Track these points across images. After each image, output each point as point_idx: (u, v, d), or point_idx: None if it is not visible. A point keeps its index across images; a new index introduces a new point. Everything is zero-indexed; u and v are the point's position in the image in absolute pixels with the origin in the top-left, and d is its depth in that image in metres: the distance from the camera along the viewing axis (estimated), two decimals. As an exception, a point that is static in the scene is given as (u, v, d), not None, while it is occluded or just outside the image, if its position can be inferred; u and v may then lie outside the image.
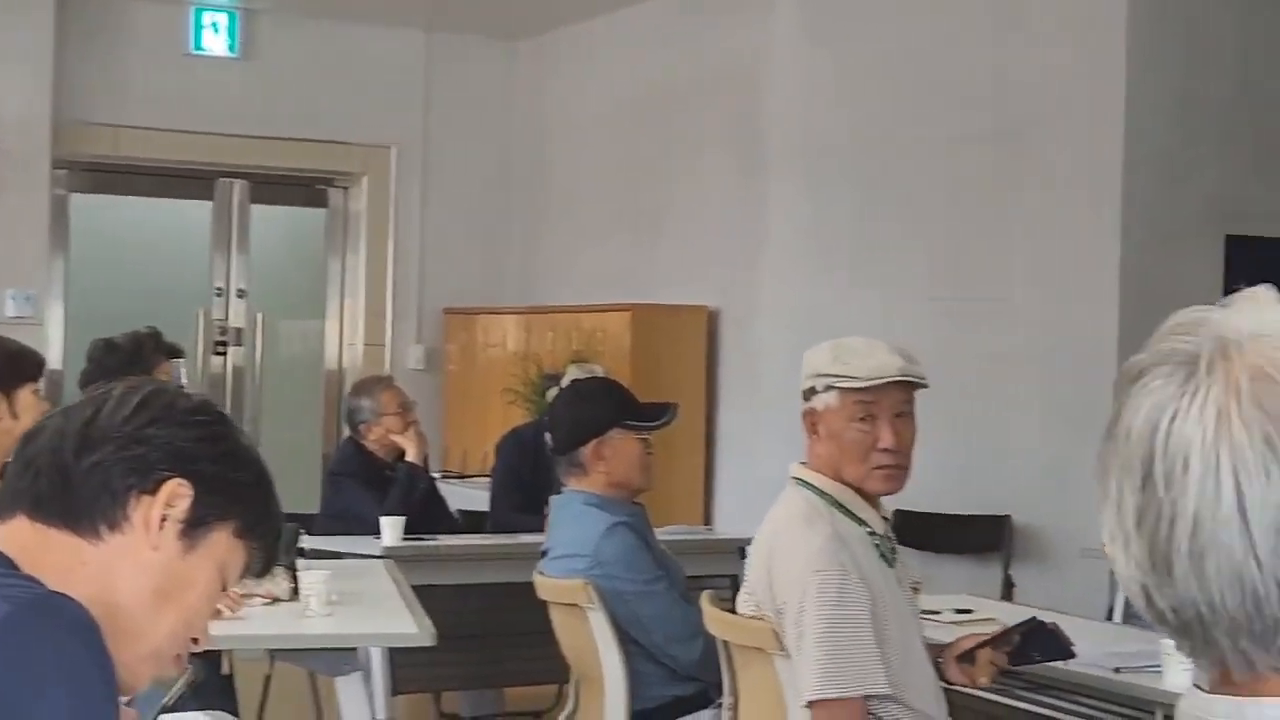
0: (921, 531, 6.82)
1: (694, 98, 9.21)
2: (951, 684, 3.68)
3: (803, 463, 3.67)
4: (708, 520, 8.78)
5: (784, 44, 8.56)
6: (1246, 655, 1.13)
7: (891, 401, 3.53)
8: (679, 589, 4.71)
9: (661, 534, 5.33)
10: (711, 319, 9.02)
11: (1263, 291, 1.18)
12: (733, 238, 8.87)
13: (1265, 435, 1.10)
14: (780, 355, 7.85)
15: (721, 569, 6.39)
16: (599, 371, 6.84)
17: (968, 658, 3.69)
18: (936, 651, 3.70)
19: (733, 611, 3.87)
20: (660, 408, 4.90)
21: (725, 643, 4.01)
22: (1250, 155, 7.44)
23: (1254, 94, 7.45)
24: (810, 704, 3.40)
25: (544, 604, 4.88)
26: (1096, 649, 4.08)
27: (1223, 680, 1.15)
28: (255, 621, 4.60)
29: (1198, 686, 1.17)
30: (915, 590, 3.74)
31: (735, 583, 6.08)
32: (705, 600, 4.16)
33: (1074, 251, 7.05)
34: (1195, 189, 7.21)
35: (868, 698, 3.39)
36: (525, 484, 7.16)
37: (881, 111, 7.96)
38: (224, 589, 1.72)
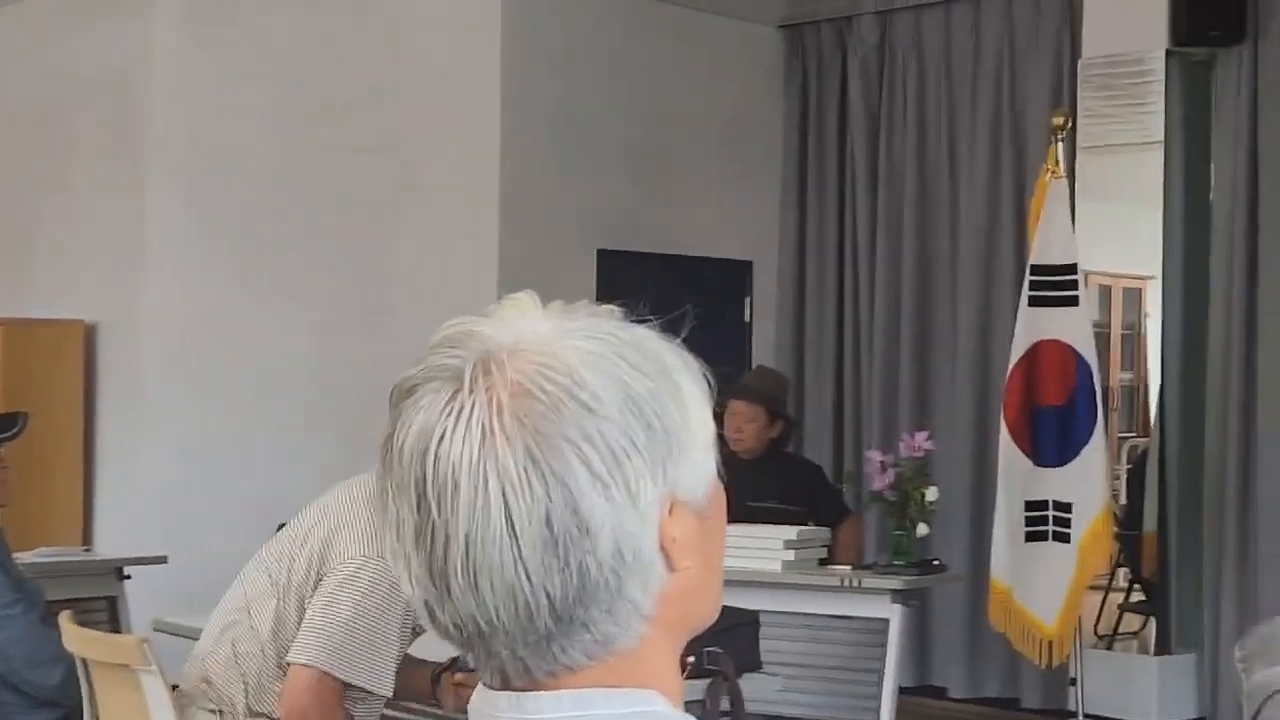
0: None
1: (68, 104, 8.84)
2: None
3: None
4: (87, 541, 8.45)
5: (164, 48, 8.33)
6: (524, 663, 1.15)
7: None
8: (37, 612, 4.50)
9: (32, 555, 5.07)
10: (89, 332, 8.68)
11: (525, 298, 1.19)
12: (111, 249, 8.57)
13: (528, 450, 1.11)
14: (165, 367, 7.64)
15: (101, 590, 6.14)
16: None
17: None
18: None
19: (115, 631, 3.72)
20: (8, 418, 4.67)
21: (85, 662, 3.85)
22: (622, 171, 7.75)
23: (626, 110, 7.77)
24: (295, 664, 3.30)
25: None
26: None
27: (504, 684, 1.16)
28: None
29: (485, 685, 1.19)
30: None
31: (113, 605, 5.87)
32: (64, 620, 3.99)
33: (455, 263, 7.16)
34: (568, 202, 7.45)
35: (360, 693, 3.34)
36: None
37: (268, 119, 7.86)
38: None
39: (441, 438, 1.13)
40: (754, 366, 6.65)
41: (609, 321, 1.19)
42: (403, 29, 7.41)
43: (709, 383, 1.21)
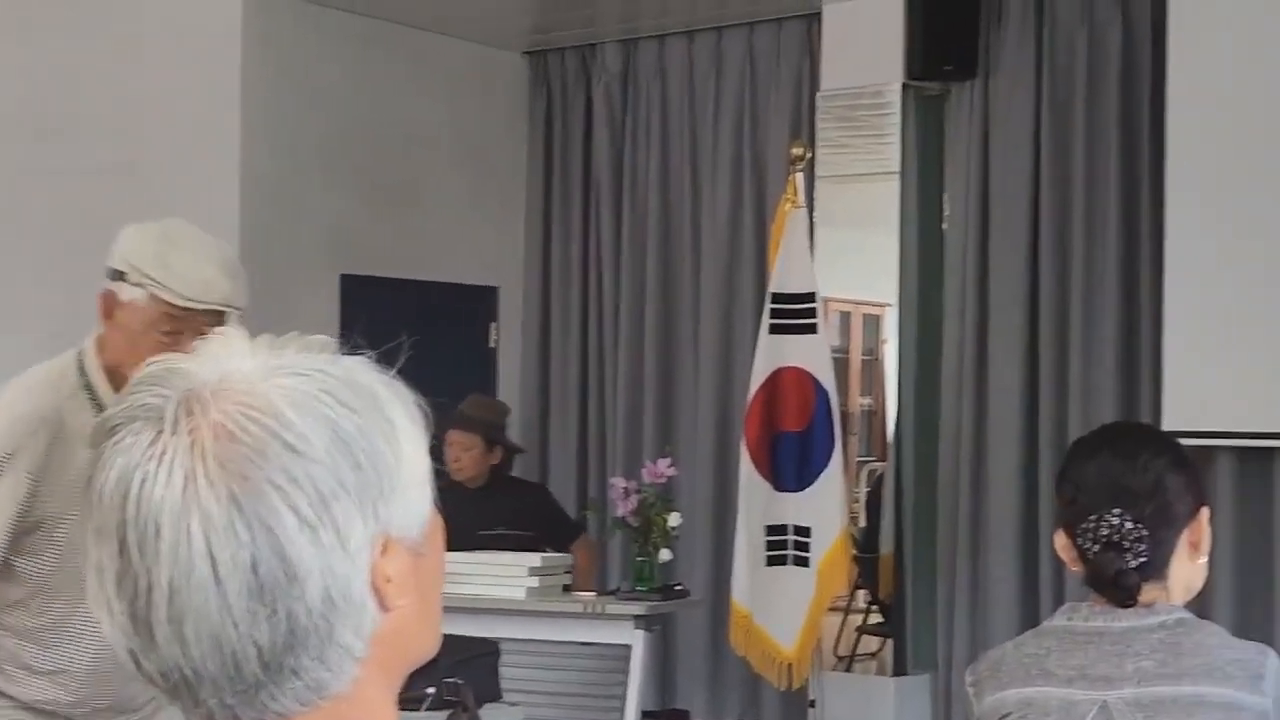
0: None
1: None
2: None
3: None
4: None
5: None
6: (233, 711, 1.12)
7: (201, 322, 3.31)
8: None
9: None
10: None
11: (233, 333, 1.17)
12: None
13: (231, 495, 1.08)
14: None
15: None
16: None
17: None
18: None
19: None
20: None
21: None
22: (365, 195, 7.68)
23: (369, 134, 7.70)
24: None
25: None
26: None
27: None
28: None
29: None
30: None
31: None
32: None
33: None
34: (310, 226, 7.35)
35: None
36: None
37: (7, 139, 7.61)
38: None
39: (143, 481, 1.09)
40: (469, 396, 6.63)
41: (318, 356, 1.16)
42: (141, 50, 7.25)
43: (425, 415, 1.19)
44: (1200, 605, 6.69)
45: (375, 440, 1.13)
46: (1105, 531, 2.37)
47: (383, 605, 1.14)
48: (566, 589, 6.06)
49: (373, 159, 7.73)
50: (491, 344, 8.48)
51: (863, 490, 8.81)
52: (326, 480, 1.10)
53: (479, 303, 8.41)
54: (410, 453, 1.16)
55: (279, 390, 1.11)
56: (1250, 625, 6.40)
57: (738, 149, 7.88)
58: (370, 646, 1.14)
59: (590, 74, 8.42)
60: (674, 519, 6.11)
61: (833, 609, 7.41)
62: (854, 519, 8.22)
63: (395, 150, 7.86)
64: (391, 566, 1.14)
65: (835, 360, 6.89)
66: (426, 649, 1.22)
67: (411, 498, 1.16)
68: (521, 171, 8.54)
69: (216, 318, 3.34)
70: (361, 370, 1.17)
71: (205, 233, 3.55)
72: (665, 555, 6.12)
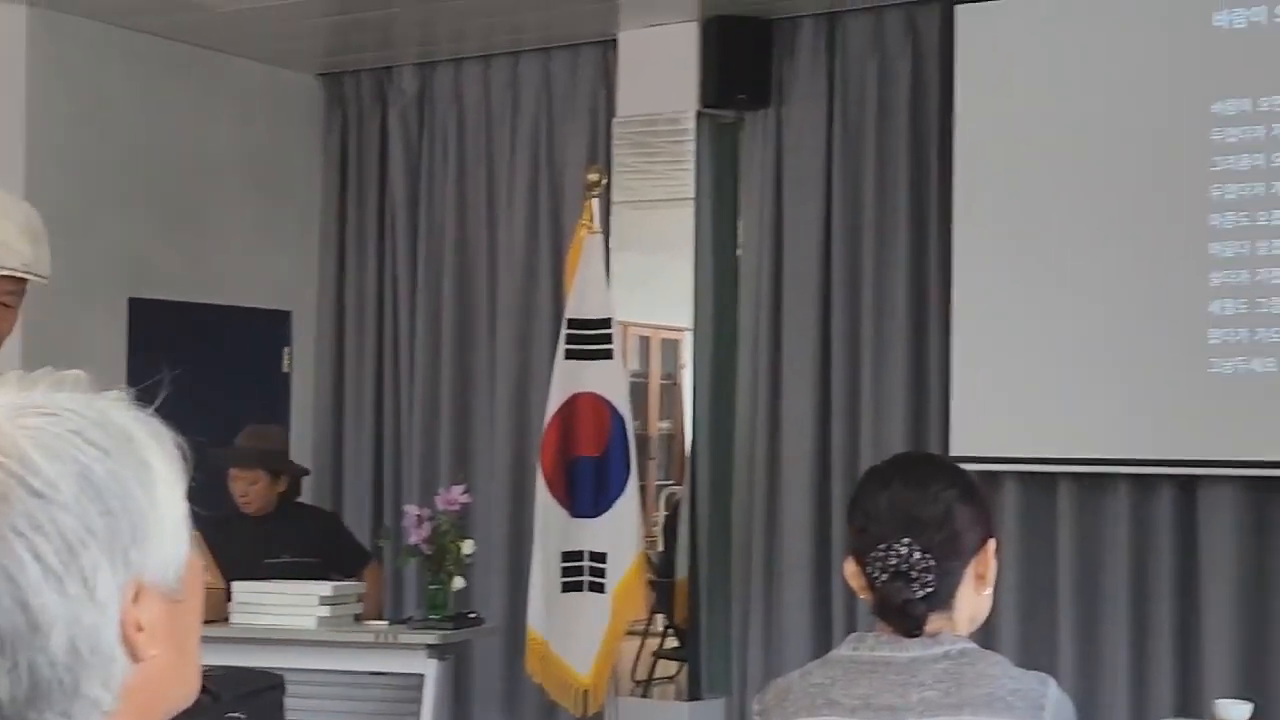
0: None
1: None
2: None
3: None
4: None
5: None
6: None
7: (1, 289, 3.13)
8: None
9: None
10: None
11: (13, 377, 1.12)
12: None
13: None
14: None
15: None
16: None
17: None
18: None
19: None
20: None
21: None
22: (154, 217, 7.53)
23: (157, 156, 7.55)
24: None
25: None
26: None
27: None
28: None
29: None
30: None
31: None
32: None
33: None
34: (99, 249, 7.18)
35: None
36: None
37: None
38: None
39: None
40: (246, 427, 6.52)
41: (71, 395, 1.11)
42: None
43: (184, 455, 1.15)
44: (986, 627, 6.81)
45: (128, 484, 1.09)
46: (894, 561, 2.39)
47: (134, 656, 1.09)
48: (358, 618, 5.98)
49: (164, 181, 7.58)
50: (285, 369, 8.35)
51: (661, 515, 8.85)
52: (74, 527, 1.05)
53: (272, 327, 8.28)
54: (166, 496, 1.12)
55: (25, 431, 1.07)
56: (1034, 648, 6.53)
57: (534, 174, 7.87)
58: (120, 699, 1.09)
59: (386, 97, 8.35)
60: (468, 546, 6.06)
61: (631, 633, 7.42)
62: (653, 544, 8.25)
63: (187, 172, 7.71)
64: (144, 615, 1.10)
65: (635, 385, 6.91)
66: (182, 698, 1.17)
67: (167, 543, 1.11)
68: (316, 194, 8.43)
69: (16, 284, 3.16)
70: (116, 409, 1.12)
71: (11, 193, 3.34)
72: (459, 583, 6.07)
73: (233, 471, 6.23)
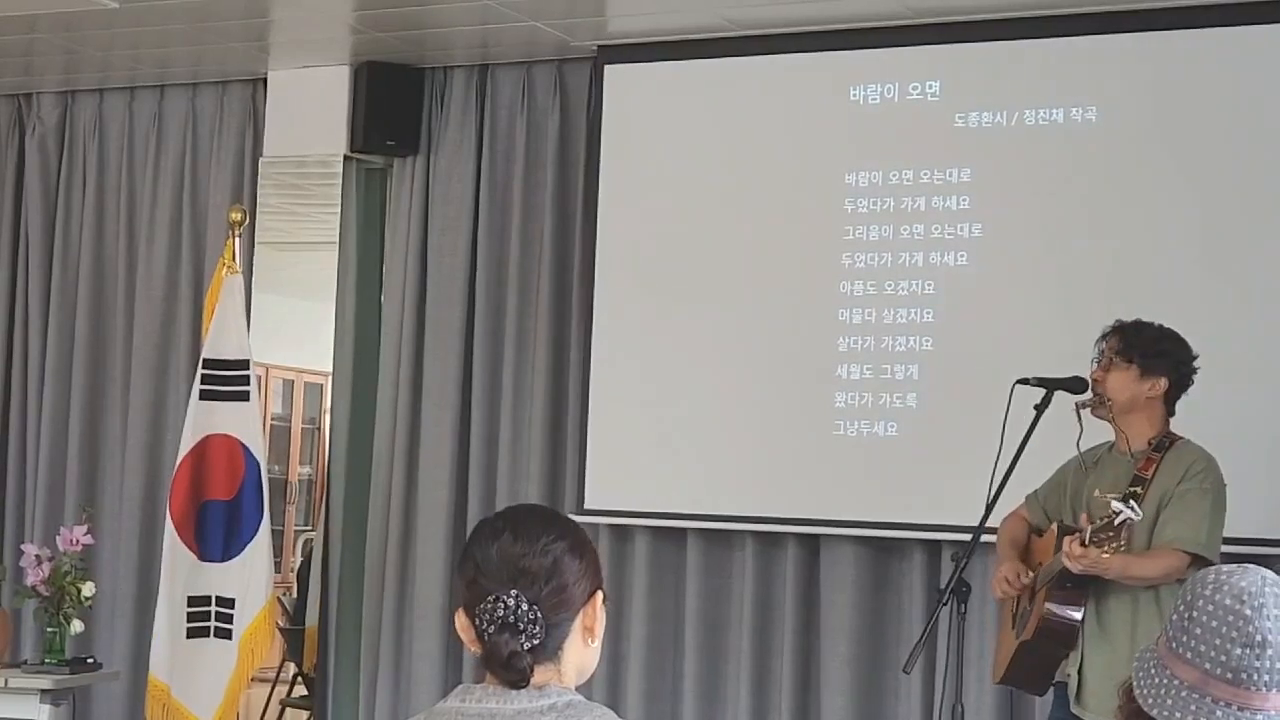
0: None
1: None
2: None
3: None
4: None
5: None
6: None
7: None
8: None
9: None
10: None
11: None
12: None
13: None
14: None
15: None
16: None
17: None
18: None
19: None
20: None
21: None
22: None
23: None
24: None
25: None
26: None
27: None
28: None
29: None
30: None
31: None
32: None
33: None
34: None
35: None
36: None
37: None
38: None
39: None
40: None
41: None
42: None
43: None
44: (612, 675, 6.92)
45: None
46: (501, 612, 2.41)
47: None
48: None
49: None
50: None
51: (298, 560, 8.74)
52: None
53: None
54: None
55: None
56: (659, 696, 6.65)
57: (177, 210, 7.71)
58: None
59: (24, 124, 8.09)
60: (88, 589, 5.91)
61: (261, 680, 7.30)
62: (289, 590, 8.14)
63: None
64: None
65: (278, 428, 6.82)
66: None
67: None
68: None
69: None
70: None
71: None
72: (78, 626, 5.91)
73: None
